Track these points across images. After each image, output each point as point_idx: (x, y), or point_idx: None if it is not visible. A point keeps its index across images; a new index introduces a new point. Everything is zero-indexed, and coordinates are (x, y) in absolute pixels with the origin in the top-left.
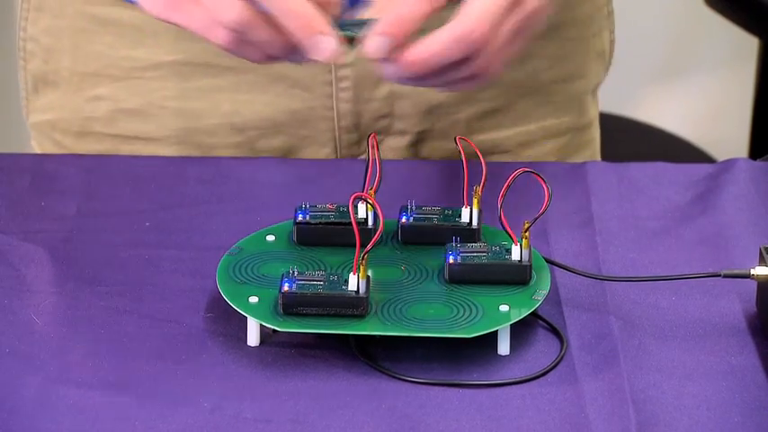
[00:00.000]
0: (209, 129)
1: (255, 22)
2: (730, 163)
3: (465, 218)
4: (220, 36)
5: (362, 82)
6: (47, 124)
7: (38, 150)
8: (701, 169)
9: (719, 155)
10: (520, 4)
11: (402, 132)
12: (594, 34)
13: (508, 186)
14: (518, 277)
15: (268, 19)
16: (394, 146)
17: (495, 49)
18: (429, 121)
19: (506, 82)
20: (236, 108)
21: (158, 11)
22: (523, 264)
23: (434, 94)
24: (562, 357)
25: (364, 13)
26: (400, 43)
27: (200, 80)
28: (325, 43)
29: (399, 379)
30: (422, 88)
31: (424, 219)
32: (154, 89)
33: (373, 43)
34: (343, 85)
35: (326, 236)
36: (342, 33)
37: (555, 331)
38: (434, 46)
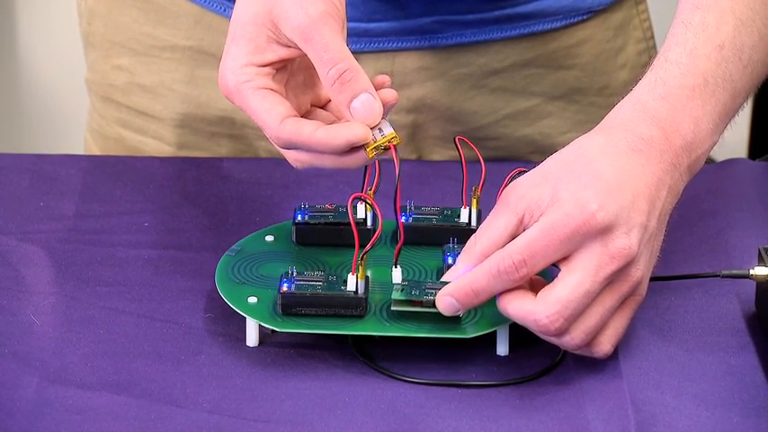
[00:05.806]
0: (210, 119)
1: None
2: (730, 163)
3: (464, 218)
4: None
5: None
6: (86, 82)
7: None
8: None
9: (719, 155)
10: (621, 278)
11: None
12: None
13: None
14: None
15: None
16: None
17: (589, 327)
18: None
19: (517, 136)
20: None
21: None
22: None
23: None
24: (562, 358)
25: None
26: (467, 309)
27: (209, 70)
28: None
29: (398, 379)
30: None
31: (423, 219)
32: (166, 70)
33: (443, 302)
34: None
35: (325, 236)
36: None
37: None
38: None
